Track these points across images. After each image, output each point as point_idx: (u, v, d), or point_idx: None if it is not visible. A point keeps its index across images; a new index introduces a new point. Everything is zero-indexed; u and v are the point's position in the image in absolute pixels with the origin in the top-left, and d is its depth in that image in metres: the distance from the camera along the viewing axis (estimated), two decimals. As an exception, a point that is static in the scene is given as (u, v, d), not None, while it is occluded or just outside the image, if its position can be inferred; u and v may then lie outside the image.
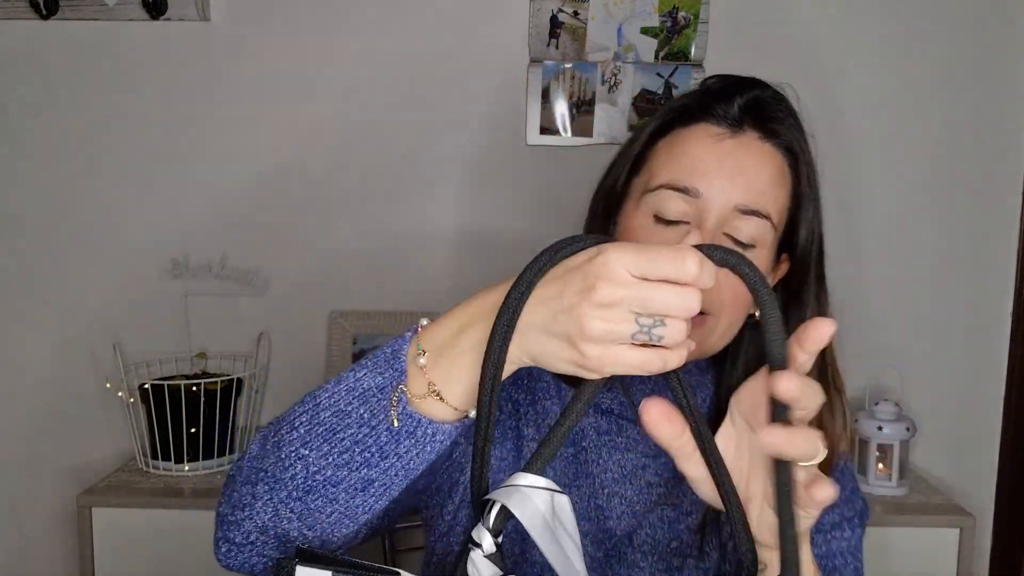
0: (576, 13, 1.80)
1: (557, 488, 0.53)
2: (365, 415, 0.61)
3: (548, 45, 1.81)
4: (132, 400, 1.73)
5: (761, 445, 0.52)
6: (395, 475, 0.62)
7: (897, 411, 1.68)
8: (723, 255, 0.51)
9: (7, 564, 1.94)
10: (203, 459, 1.70)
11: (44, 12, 1.82)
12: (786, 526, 0.52)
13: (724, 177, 0.75)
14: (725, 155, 0.76)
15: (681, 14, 1.79)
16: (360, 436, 0.61)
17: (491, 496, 0.53)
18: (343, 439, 0.61)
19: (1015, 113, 1.81)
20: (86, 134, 1.86)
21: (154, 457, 1.71)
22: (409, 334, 0.62)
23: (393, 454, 0.61)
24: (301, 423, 0.63)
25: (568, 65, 1.82)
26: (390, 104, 1.84)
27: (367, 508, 0.63)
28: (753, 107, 0.78)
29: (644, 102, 1.81)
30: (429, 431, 0.60)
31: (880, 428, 1.64)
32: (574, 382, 0.67)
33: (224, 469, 1.71)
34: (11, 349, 1.91)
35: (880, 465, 1.66)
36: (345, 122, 1.85)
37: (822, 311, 0.83)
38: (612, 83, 1.81)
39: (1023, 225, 1.84)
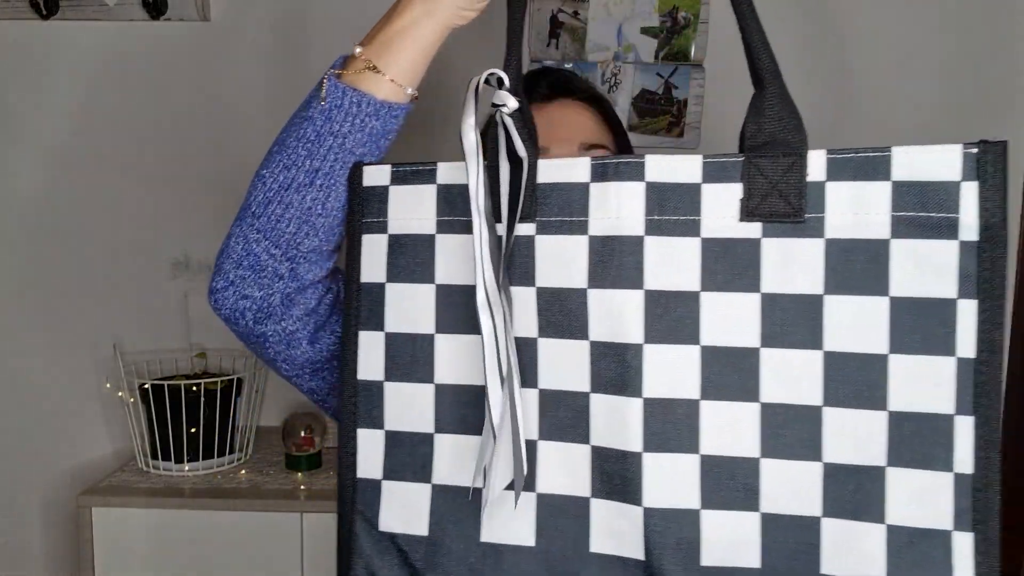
0: (576, 13, 1.80)
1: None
2: (303, 111, 0.68)
3: (548, 45, 1.81)
4: (132, 400, 1.73)
5: None
6: (334, 159, 0.66)
7: (897, 411, 1.68)
8: None
9: (7, 564, 1.95)
10: (203, 459, 1.70)
11: (44, 12, 1.82)
12: None
13: (558, 128, 0.92)
14: (552, 115, 0.93)
15: (681, 14, 1.79)
16: (300, 131, 0.67)
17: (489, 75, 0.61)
18: (287, 141, 0.68)
19: (1015, 113, 1.81)
20: (86, 134, 1.86)
21: (154, 457, 1.71)
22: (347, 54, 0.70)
23: (328, 133, 0.66)
24: (264, 159, 0.70)
25: (568, 65, 1.81)
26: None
27: (319, 207, 0.68)
28: (556, 84, 0.96)
29: (644, 102, 1.81)
30: (355, 99, 0.66)
31: (880, 428, 1.64)
32: None
33: (224, 469, 1.71)
34: (11, 349, 1.91)
35: (880, 465, 1.66)
36: (345, 122, 1.85)
37: None
38: (612, 83, 1.81)
39: (1023, 225, 1.84)
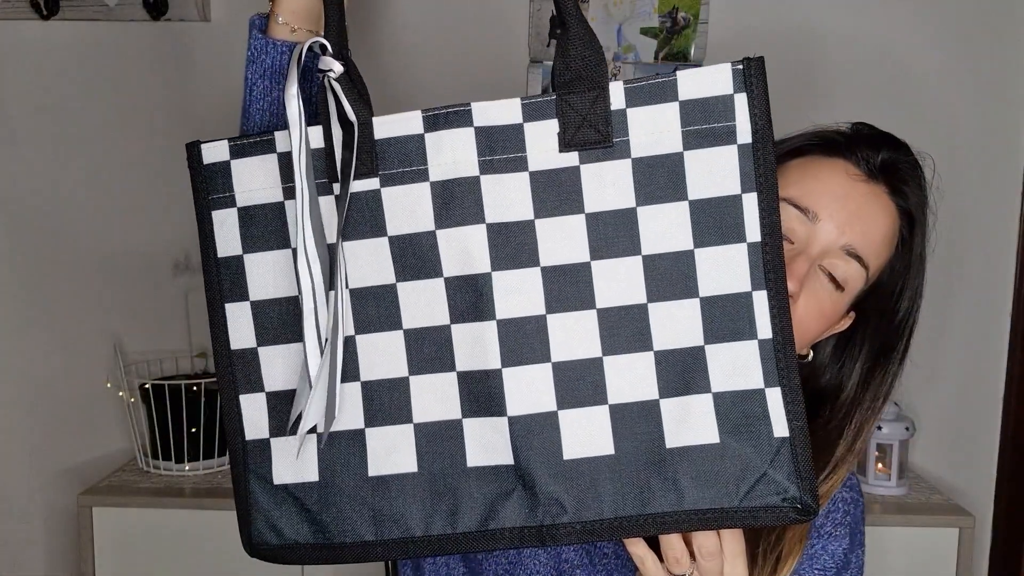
0: (576, 13, 1.80)
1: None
2: None
3: (548, 45, 1.81)
4: (132, 400, 1.73)
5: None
6: (246, 71, 0.82)
7: (897, 411, 1.68)
8: None
9: (7, 564, 1.95)
10: (203, 459, 1.70)
11: (44, 12, 1.82)
12: None
13: (846, 214, 0.79)
14: (855, 196, 0.80)
15: (681, 15, 1.79)
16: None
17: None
18: None
19: (1015, 113, 1.82)
20: (86, 134, 1.86)
21: (154, 457, 1.71)
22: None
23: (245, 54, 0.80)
24: None
25: (568, 65, 1.82)
26: (390, 104, 1.84)
27: (247, 105, 0.88)
28: (892, 165, 0.84)
29: (644, 102, 1.81)
30: (250, 31, 0.78)
31: (880, 428, 1.65)
32: None
33: (224, 469, 1.71)
34: (12, 349, 1.91)
35: (879, 465, 1.66)
36: (345, 122, 1.85)
37: (890, 379, 0.91)
38: (612, 83, 1.81)
39: (1023, 225, 1.84)
